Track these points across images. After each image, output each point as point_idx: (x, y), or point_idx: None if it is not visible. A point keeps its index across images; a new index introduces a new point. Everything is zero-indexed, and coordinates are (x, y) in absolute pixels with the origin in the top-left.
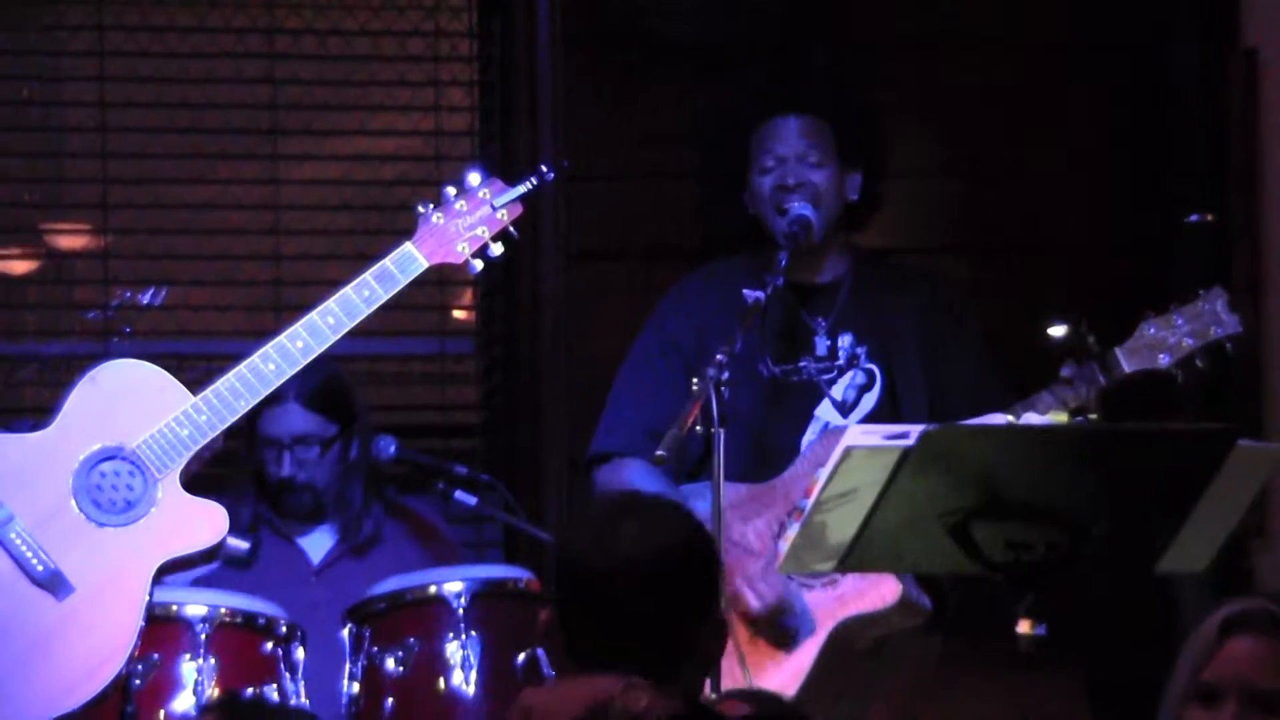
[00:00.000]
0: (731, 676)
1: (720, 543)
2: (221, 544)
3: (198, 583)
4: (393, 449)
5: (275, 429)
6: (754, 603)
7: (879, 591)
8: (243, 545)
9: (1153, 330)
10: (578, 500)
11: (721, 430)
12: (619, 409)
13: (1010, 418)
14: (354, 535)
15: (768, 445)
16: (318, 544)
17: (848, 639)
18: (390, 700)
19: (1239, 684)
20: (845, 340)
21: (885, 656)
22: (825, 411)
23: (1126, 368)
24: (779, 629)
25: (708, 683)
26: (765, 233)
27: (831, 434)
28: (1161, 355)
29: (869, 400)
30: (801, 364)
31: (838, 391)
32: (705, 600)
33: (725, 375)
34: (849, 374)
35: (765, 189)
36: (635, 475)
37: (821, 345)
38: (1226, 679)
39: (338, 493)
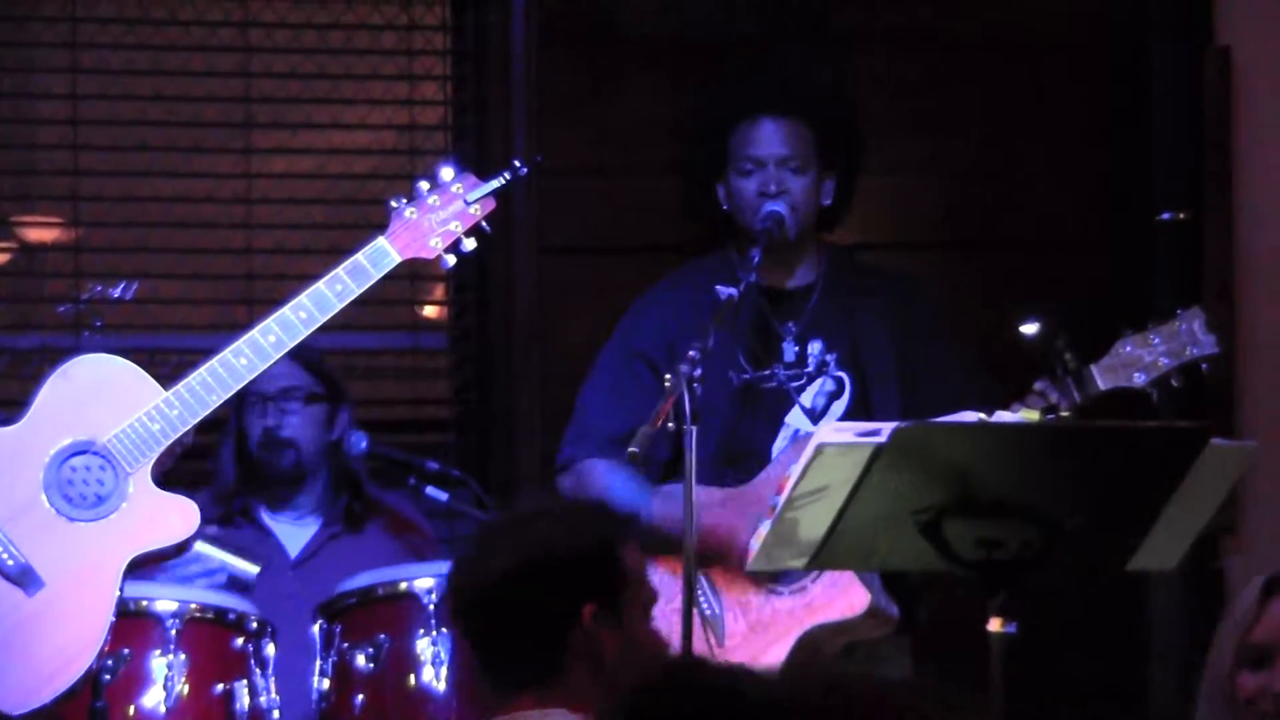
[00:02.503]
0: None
1: (693, 537)
2: (193, 538)
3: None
4: (364, 444)
5: (262, 382)
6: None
7: (848, 600)
8: (251, 571)
9: (1129, 348)
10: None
11: (694, 428)
12: (584, 418)
13: (982, 415)
14: (335, 516)
15: (738, 450)
16: (296, 536)
17: (815, 646)
18: (361, 696)
19: None
20: (815, 347)
21: (855, 661)
22: (795, 418)
23: (1101, 385)
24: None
25: None
26: (739, 229)
27: (802, 441)
28: (1137, 374)
29: (838, 408)
30: (770, 370)
31: (807, 399)
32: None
33: (698, 372)
34: (818, 381)
35: (746, 193)
36: (605, 475)
37: (790, 351)
38: (1276, 638)
39: (317, 465)
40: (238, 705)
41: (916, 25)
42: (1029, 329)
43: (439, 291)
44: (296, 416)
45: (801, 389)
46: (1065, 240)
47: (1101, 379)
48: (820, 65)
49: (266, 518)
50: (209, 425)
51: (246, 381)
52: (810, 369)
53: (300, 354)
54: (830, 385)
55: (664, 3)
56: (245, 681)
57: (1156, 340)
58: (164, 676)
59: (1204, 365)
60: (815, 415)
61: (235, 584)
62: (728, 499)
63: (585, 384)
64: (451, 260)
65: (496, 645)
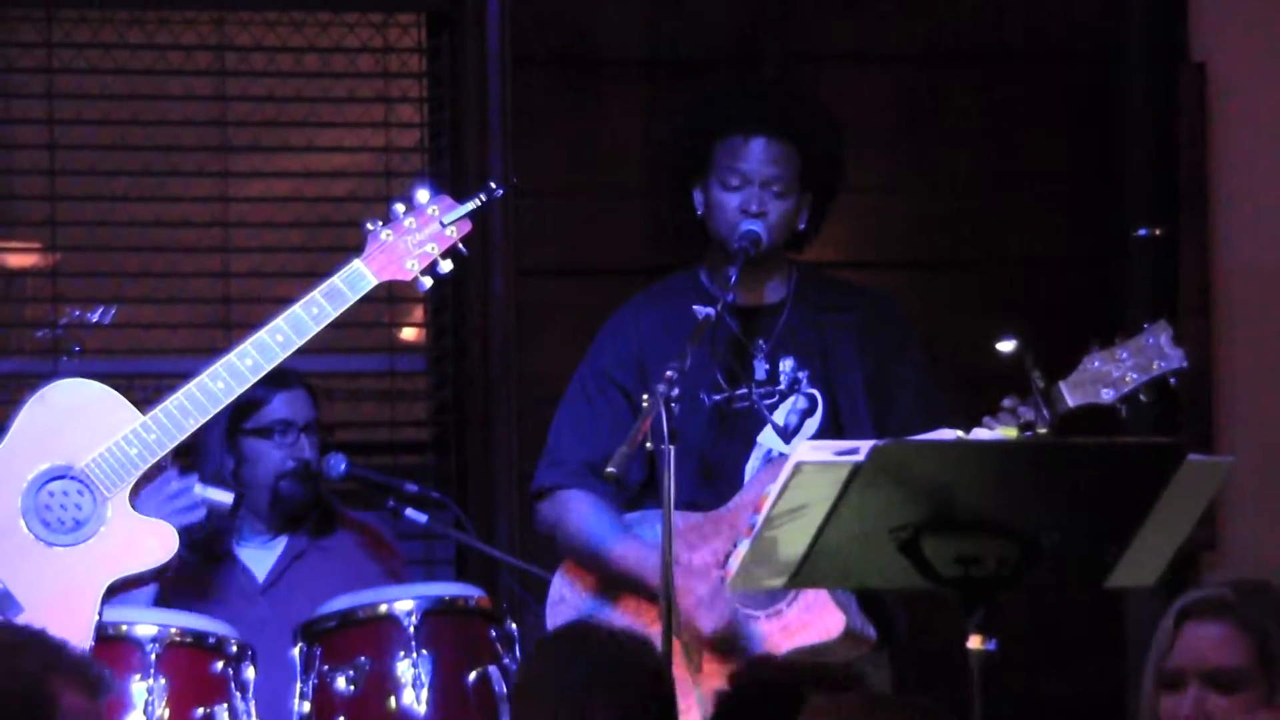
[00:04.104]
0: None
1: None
2: (172, 560)
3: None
4: (343, 466)
5: (292, 413)
6: (706, 627)
7: (824, 623)
8: (226, 499)
9: (1097, 364)
10: (529, 519)
11: (671, 447)
12: (557, 444)
13: (960, 433)
14: (298, 532)
15: (711, 472)
16: (262, 560)
17: None
18: (341, 719)
19: (1197, 667)
20: (787, 364)
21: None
22: (768, 437)
23: (1070, 402)
24: (732, 650)
25: None
26: (712, 239)
27: (776, 463)
28: (1105, 390)
29: (811, 425)
30: (742, 390)
31: (780, 417)
32: None
33: (675, 392)
34: (791, 399)
35: (728, 206)
36: (578, 508)
37: (761, 369)
38: (1186, 664)
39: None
40: None
41: (885, 43)
42: (1005, 346)
43: (417, 314)
44: (314, 450)
45: (774, 407)
46: (1038, 258)
47: (1070, 396)
48: (803, 87)
49: (233, 545)
50: (184, 449)
51: (224, 405)
52: (782, 387)
53: (306, 384)
54: (803, 403)
55: (639, 24)
56: (225, 705)
57: (1124, 355)
58: (144, 701)
59: (1172, 380)
60: (788, 433)
61: (214, 514)
62: (698, 524)
63: (558, 411)
64: (428, 282)
65: None
